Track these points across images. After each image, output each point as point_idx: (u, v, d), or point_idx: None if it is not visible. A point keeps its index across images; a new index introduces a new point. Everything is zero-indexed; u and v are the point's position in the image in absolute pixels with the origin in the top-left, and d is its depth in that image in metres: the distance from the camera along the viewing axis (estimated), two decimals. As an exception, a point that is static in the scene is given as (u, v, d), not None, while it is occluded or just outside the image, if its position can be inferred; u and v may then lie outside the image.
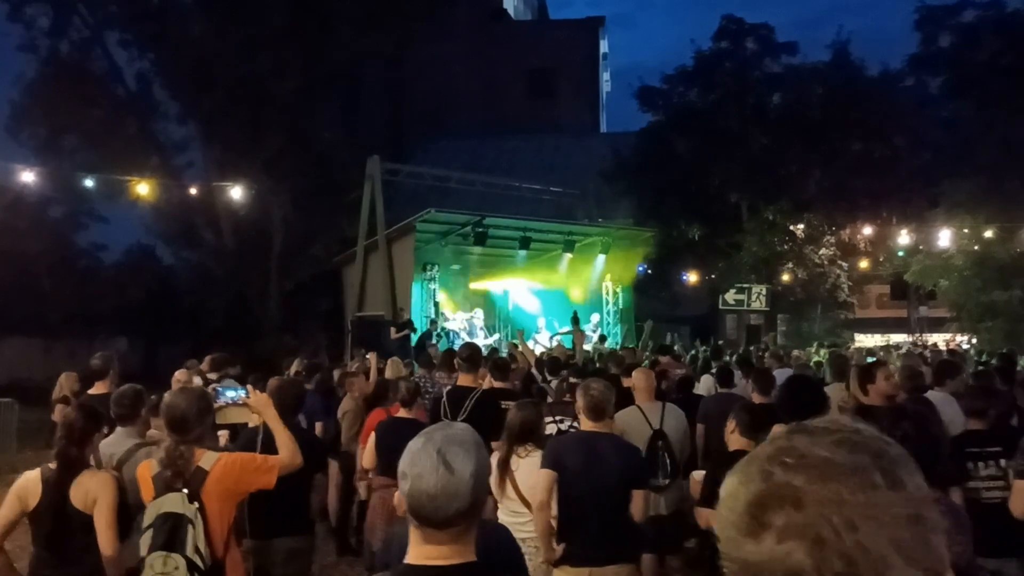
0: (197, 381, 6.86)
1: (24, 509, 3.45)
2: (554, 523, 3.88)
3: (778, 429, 3.20)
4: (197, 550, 3.07)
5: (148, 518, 3.17)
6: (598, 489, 3.83)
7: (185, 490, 3.14)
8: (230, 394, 3.92)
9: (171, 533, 3.08)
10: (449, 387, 6.00)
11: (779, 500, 0.75)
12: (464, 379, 5.82)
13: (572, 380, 6.46)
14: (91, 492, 3.41)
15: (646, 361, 9.88)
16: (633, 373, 5.97)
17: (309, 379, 7.34)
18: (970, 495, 3.88)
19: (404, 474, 1.66)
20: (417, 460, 1.65)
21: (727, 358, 11.34)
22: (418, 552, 1.68)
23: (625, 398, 6.01)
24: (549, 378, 7.91)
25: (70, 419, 3.60)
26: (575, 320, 17.04)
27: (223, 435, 5.45)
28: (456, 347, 15.67)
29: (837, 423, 0.83)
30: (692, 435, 6.07)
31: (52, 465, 3.52)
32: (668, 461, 5.29)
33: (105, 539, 3.37)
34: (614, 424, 5.42)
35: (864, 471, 0.76)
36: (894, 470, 0.77)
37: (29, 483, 3.48)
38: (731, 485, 0.81)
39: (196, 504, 3.12)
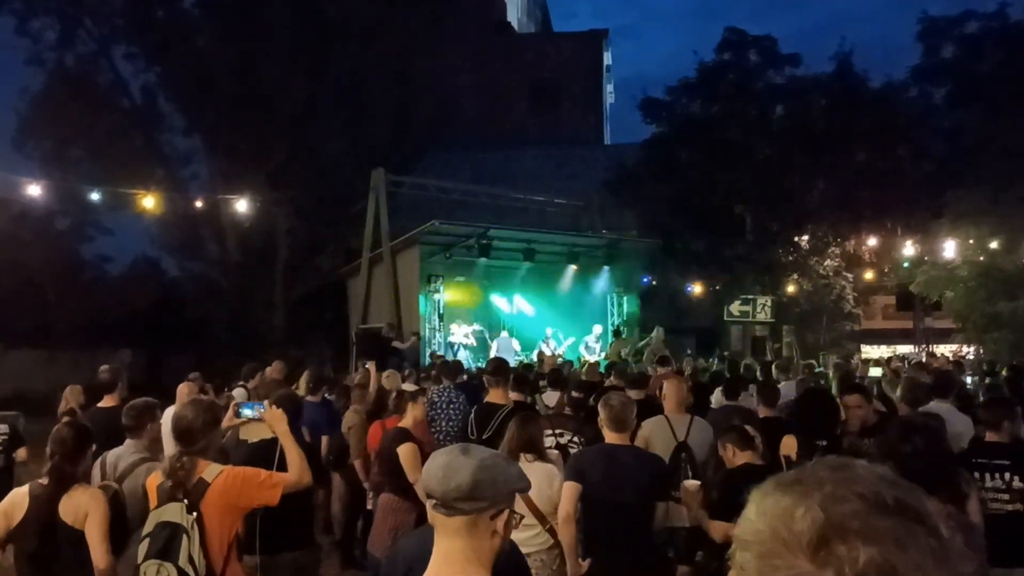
0: (242, 393, 6.85)
1: (8, 526, 3.41)
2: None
3: (789, 441, 3.19)
4: (191, 560, 3.05)
5: (148, 526, 3.18)
6: (621, 502, 3.81)
7: (185, 500, 3.14)
8: (247, 411, 3.91)
9: (167, 542, 3.08)
10: (479, 404, 5.88)
11: (850, 534, 0.78)
12: (494, 395, 5.67)
13: (575, 394, 6.41)
14: (82, 507, 3.39)
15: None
16: (665, 383, 5.93)
17: (315, 392, 7.31)
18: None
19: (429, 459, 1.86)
20: (445, 449, 1.86)
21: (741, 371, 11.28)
22: (437, 549, 1.79)
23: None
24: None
25: (62, 435, 3.58)
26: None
27: None
28: (458, 359, 15.67)
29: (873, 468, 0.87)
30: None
31: (42, 481, 3.49)
32: (691, 474, 5.24)
33: (98, 553, 3.35)
34: (638, 432, 5.41)
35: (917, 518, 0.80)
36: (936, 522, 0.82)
37: (16, 499, 3.45)
38: (785, 504, 0.83)
39: (194, 515, 3.11)
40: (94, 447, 3.84)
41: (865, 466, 0.86)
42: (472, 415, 5.56)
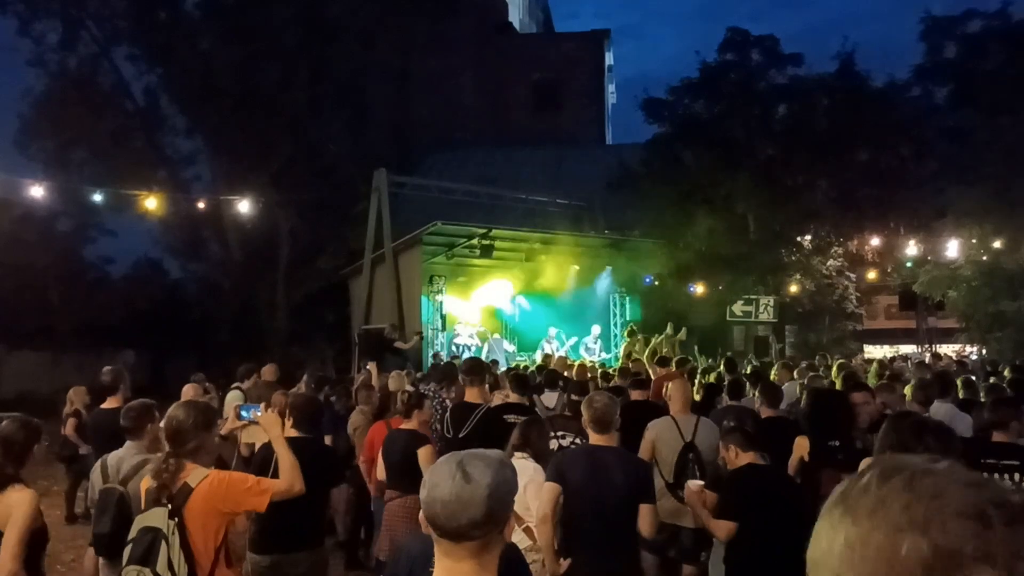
0: (238, 394, 6.80)
1: None
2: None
3: (802, 442, 3.16)
4: (170, 566, 3.01)
5: (132, 532, 3.14)
6: (602, 503, 3.78)
7: (168, 505, 3.10)
8: (245, 413, 3.91)
9: (147, 547, 3.04)
10: (454, 403, 5.89)
11: (967, 561, 0.71)
12: (470, 394, 5.67)
13: (574, 397, 6.40)
14: (7, 508, 3.23)
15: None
16: (670, 383, 5.91)
17: (317, 392, 7.32)
18: None
19: (424, 482, 1.69)
20: (437, 469, 1.69)
21: (744, 371, 11.26)
22: (440, 568, 1.69)
23: (635, 411, 5.95)
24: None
25: (7, 432, 3.46)
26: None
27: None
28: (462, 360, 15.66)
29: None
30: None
31: None
32: (699, 474, 5.24)
33: (4, 557, 3.12)
34: (645, 433, 5.39)
35: None
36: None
37: None
38: (879, 541, 0.75)
39: (175, 520, 3.06)
40: (40, 444, 3.73)
41: (939, 473, 0.78)
42: (448, 414, 5.55)
